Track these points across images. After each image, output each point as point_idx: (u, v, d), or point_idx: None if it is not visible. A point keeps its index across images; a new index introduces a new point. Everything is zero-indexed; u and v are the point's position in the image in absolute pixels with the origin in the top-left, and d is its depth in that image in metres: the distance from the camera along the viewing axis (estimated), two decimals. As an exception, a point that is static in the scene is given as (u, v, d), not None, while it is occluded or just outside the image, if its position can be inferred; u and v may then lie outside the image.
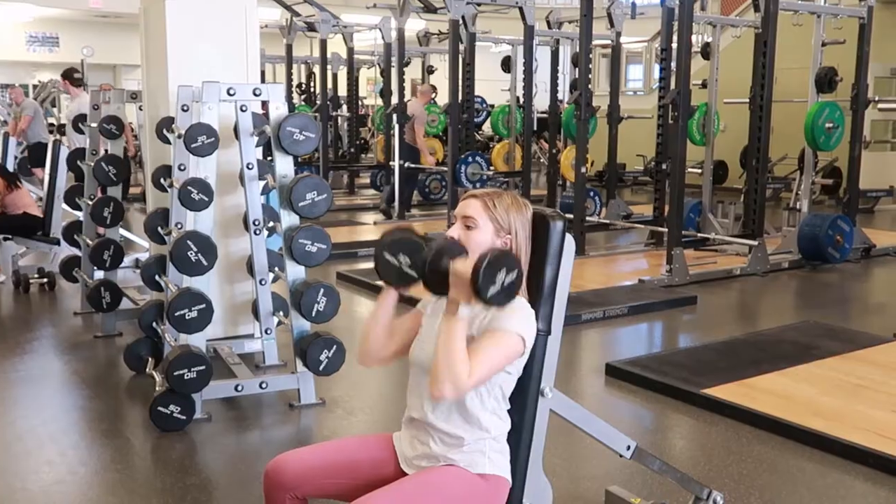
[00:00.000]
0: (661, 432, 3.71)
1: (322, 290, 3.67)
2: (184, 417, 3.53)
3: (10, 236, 6.55)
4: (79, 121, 5.41)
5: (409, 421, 2.07)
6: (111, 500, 2.99)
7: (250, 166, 3.97)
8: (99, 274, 5.05)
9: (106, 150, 5.03)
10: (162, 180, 4.16)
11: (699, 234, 7.47)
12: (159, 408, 3.50)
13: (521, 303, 1.98)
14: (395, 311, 2.11)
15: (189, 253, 3.45)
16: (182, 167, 3.98)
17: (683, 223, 7.73)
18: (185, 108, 3.96)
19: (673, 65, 7.17)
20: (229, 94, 3.64)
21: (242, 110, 3.86)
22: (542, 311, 2.06)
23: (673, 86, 6.91)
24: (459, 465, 1.96)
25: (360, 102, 14.85)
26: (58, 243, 6.26)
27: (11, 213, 6.52)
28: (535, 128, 11.36)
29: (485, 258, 1.82)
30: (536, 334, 2.03)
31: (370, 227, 9.53)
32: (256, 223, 4.07)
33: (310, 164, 12.46)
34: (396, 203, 9.80)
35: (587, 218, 8.54)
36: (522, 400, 2.09)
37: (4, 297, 6.15)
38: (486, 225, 2.00)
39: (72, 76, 8.47)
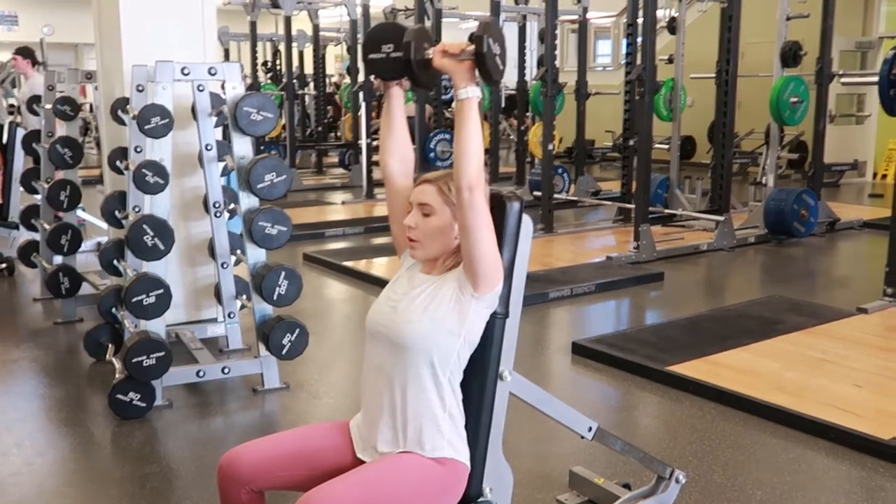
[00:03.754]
0: (626, 410, 3.71)
1: (283, 273, 3.61)
2: (144, 405, 3.47)
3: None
4: (33, 102, 5.27)
5: (364, 403, 2.03)
6: (68, 491, 2.94)
7: (209, 147, 3.89)
8: (59, 259, 4.95)
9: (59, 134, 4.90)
10: (118, 163, 4.07)
11: (666, 211, 7.48)
12: (118, 395, 3.43)
13: None
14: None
15: (145, 238, 3.38)
16: (138, 149, 3.89)
17: (651, 199, 7.75)
18: (140, 88, 3.86)
19: (639, 40, 7.14)
20: (184, 73, 3.55)
21: (200, 90, 3.77)
22: (499, 293, 2.03)
23: (639, 61, 6.88)
24: (415, 451, 1.92)
25: (327, 80, 14.68)
26: (17, 228, 6.14)
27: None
28: (503, 105, 11.29)
29: (486, 27, 1.79)
30: (494, 316, 2.01)
31: (338, 207, 9.46)
32: (217, 205, 4.00)
33: (277, 143, 12.33)
34: (364, 183, 9.72)
35: (555, 195, 8.54)
36: (480, 384, 2.05)
37: (-38, 283, 6.02)
38: (442, 210, 1.96)
39: (32, 54, 8.24)
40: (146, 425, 3.47)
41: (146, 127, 3.40)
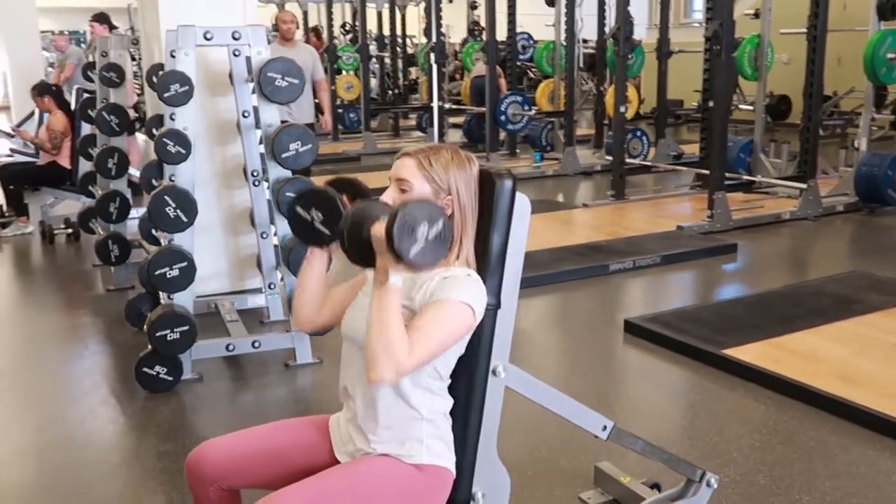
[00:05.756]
0: (672, 397, 3.44)
1: (311, 246, 3.47)
2: (171, 378, 3.42)
3: (38, 187, 6.54)
4: (88, 68, 5.27)
5: (343, 402, 1.87)
6: (76, 468, 2.89)
7: (246, 114, 3.77)
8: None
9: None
10: (154, 130, 3.99)
11: (744, 177, 7.02)
12: (145, 368, 3.39)
13: (465, 270, 1.74)
14: (329, 273, 1.90)
15: (167, 209, 3.28)
16: (173, 116, 3.80)
17: (732, 164, 7.32)
18: (174, 53, 3.75)
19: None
20: (206, 38, 3.42)
21: (235, 55, 3.65)
22: (489, 281, 1.82)
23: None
24: (392, 455, 1.75)
25: (408, 42, 14.48)
26: (87, 194, 6.21)
27: (41, 164, 6.50)
28: (581, 64, 10.87)
29: (396, 213, 1.54)
30: (486, 307, 1.80)
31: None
32: (255, 174, 3.89)
33: (353, 106, 12.25)
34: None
35: (633, 160, 8.18)
36: (468, 382, 1.86)
37: (30, 247, 6.16)
38: (421, 186, 1.75)
39: (108, 20, 8.29)
40: (174, 399, 3.41)
41: (165, 95, 3.29)
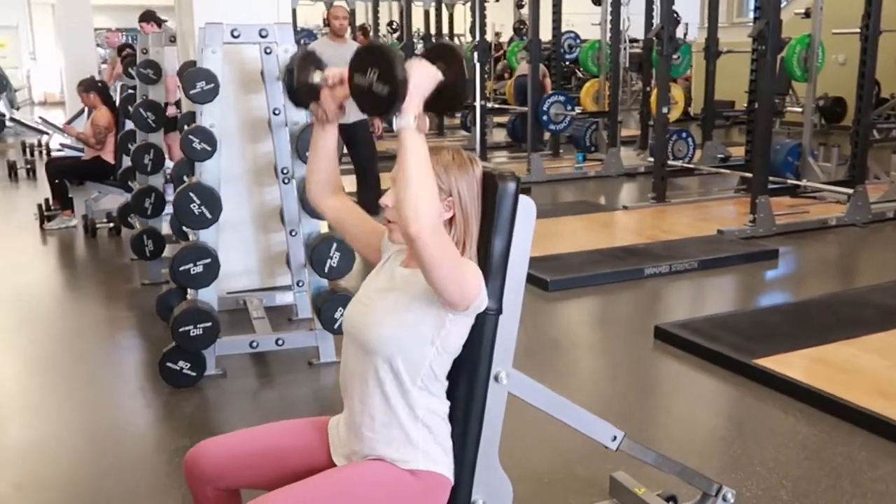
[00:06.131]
0: (699, 406, 3.35)
1: (335, 245, 3.47)
2: (194, 374, 3.44)
3: (83, 181, 6.66)
4: (129, 65, 5.34)
5: (343, 401, 1.85)
6: (95, 461, 2.92)
7: (277, 112, 3.77)
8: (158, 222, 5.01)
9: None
10: (186, 126, 4.02)
11: (789, 181, 6.84)
12: (168, 363, 3.41)
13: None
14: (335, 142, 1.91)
15: (192, 206, 3.30)
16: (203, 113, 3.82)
17: (779, 167, 7.15)
18: (214, 51, 3.78)
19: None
20: (233, 35, 3.43)
21: (267, 53, 3.66)
22: (490, 285, 1.77)
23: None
24: (386, 460, 1.72)
25: (455, 40, 14.44)
26: (126, 189, 6.31)
27: (86, 159, 6.62)
28: (628, 63, 10.73)
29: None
30: (486, 312, 1.76)
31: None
32: (285, 171, 3.88)
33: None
34: (477, 146, 9.48)
35: (676, 162, 8.05)
36: (469, 386, 1.82)
37: (73, 240, 6.28)
38: (420, 185, 1.71)
39: (156, 17, 8.39)
40: (196, 395, 3.44)
41: (191, 92, 3.31)
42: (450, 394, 1.80)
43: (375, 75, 1.56)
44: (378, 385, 1.70)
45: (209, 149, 3.35)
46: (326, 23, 6.54)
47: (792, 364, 3.46)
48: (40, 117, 10.08)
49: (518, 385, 1.93)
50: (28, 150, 10.40)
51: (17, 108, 14.64)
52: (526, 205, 1.82)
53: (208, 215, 3.34)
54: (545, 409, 2.01)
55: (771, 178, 6.34)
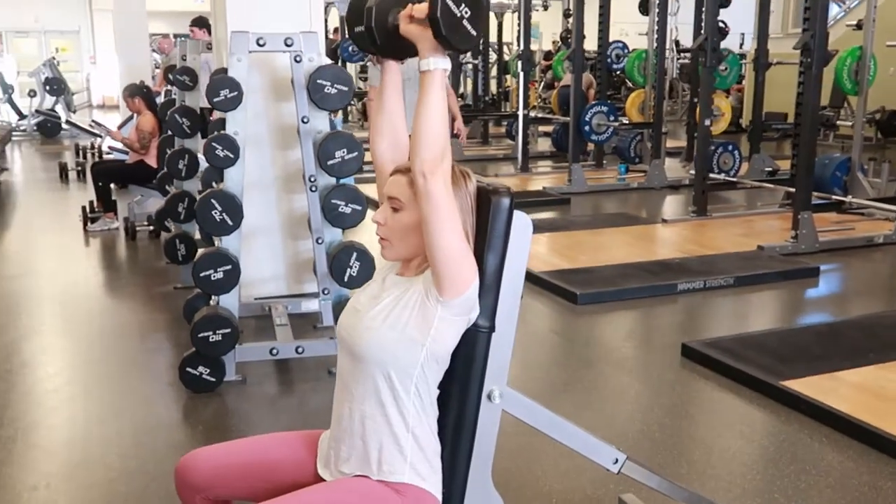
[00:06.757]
0: (721, 428, 3.25)
1: (355, 254, 3.46)
2: (213, 379, 3.46)
3: (126, 184, 6.79)
4: (168, 71, 5.42)
5: (333, 416, 1.84)
6: (112, 463, 2.95)
7: (305, 120, 3.79)
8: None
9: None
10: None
11: (834, 196, 6.65)
12: (188, 368, 3.44)
13: None
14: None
15: (213, 212, 3.32)
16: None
17: (827, 182, 6.98)
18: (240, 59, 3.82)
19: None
20: (259, 44, 3.45)
21: (297, 61, 3.68)
22: (483, 302, 1.74)
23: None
24: (370, 475, 1.70)
25: (504, 48, 14.41)
26: (164, 193, 6.41)
27: (129, 163, 6.75)
28: (676, 73, 10.57)
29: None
30: (476, 329, 1.74)
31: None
32: (312, 179, 3.90)
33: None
34: (519, 155, 9.43)
35: (716, 175, 7.91)
36: (459, 405, 1.79)
37: (114, 242, 6.39)
38: (412, 204, 1.69)
39: (207, 24, 8.49)
40: (215, 400, 3.46)
41: (214, 100, 3.33)
42: (441, 411, 1.77)
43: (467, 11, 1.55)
44: (370, 392, 1.69)
45: (232, 156, 3.37)
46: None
47: (822, 387, 3.35)
48: (93, 120, 10.31)
49: (514, 404, 1.89)
50: (80, 152, 10.66)
51: (74, 111, 15.03)
52: (521, 221, 1.79)
53: (229, 222, 3.36)
54: (542, 429, 1.97)
55: (816, 194, 6.18)
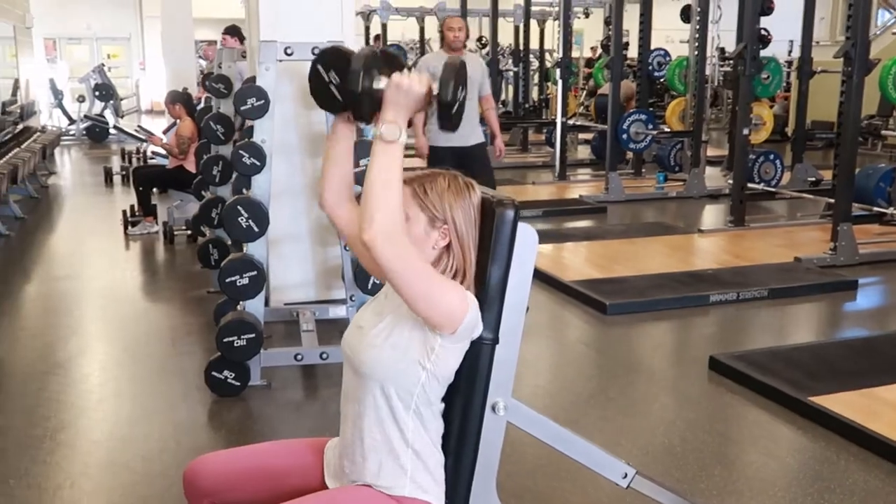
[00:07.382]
0: (746, 444, 3.20)
1: (379, 262, 3.47)
2: (238, 384, 3.50)
3: (166, 189, 6.91)
4: (206, 79, 5.51)
5: (340, 424, 1.85)
6: (134, 466, 3.00)
7: (333, 128, 3.82)
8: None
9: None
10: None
11: (875, 208, 6.51)
12: (213, 372, 3.48)
13: None
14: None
15: (240, 219, 3.37)
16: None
17: (871, 193, 6.83)
18: (268, 68, 3.87)
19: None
20: (287, 53, 3.49)
21: (326, 69, 3.71)
22: (486, 315, 1.74)
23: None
24: (374, 487, 1.71)
25: (546, 56, 14.37)
26: (201, 198, 6.50)
27: (169, 168, 6.87)
28: (718, 81, 10.44)
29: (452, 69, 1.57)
30: (481, 342, 1.73)
31: (528, 188, 9.22)
32: (340, 186, 3.93)
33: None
34: (557, 163, 9.39)
35: (755, 184, 7.79)
36: (464, 416, 1.79)
37: (153, 246, 6.51)
38: (417, 216, 1.70)
39: (239, 32, 8.58)
40: (240, 405, 3.50)
41: (242, 108, 3.38)
42: (445, 422, 1.78)
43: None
44: (370, 409, 1.70)
45: (258, 164, 3.42)
46: (441, 35, 5.93)
47: (851, 404, 3.28)
48: (139, 125, 10.52)
49: (519, 416, 1.89)
50: (126, 156, 10.87)
51: (122, 116, 15.33)
52: (526, 233, 1.78)
53: (255, 228, 3.40)
54: (549, 442, 1.96)
55: (858, 205, 6.05)
